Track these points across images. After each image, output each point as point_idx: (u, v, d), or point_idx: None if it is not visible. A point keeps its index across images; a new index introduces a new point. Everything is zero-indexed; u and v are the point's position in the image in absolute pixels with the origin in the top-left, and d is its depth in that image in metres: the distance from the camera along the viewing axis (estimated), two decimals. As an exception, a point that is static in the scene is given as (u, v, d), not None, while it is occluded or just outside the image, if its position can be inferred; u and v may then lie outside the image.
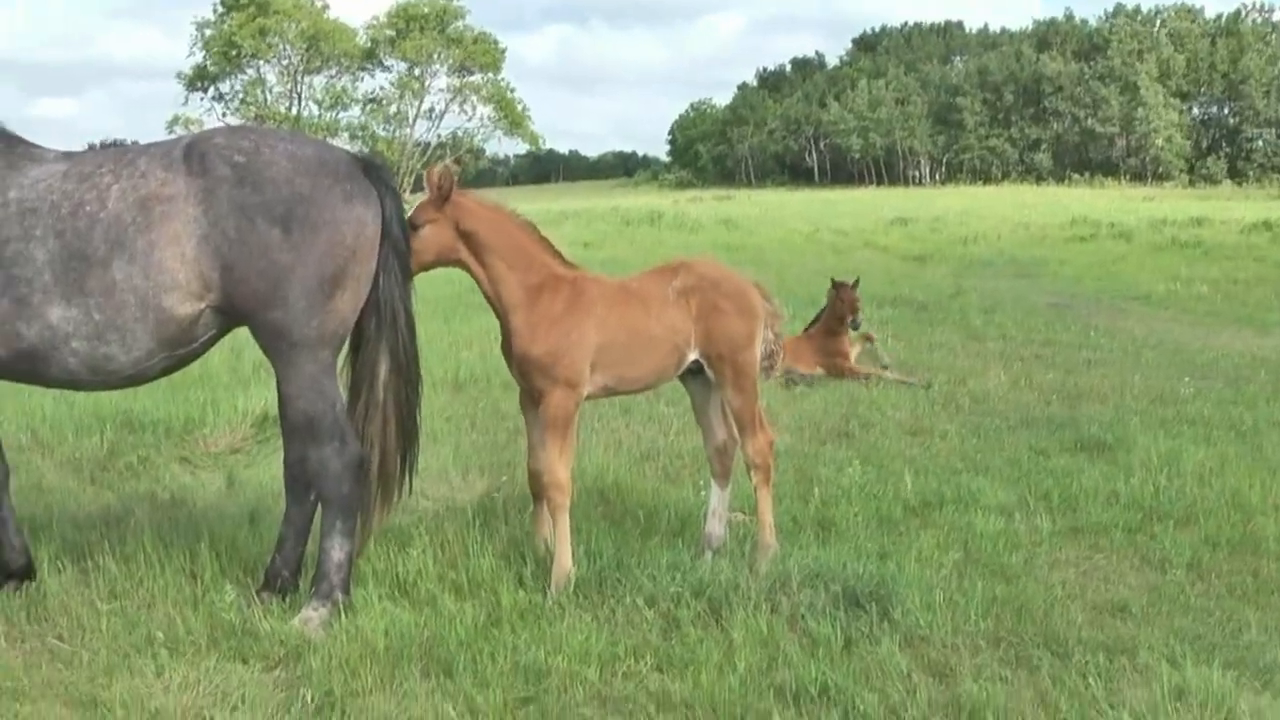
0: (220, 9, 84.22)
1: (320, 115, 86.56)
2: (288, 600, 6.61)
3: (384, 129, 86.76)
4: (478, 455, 10.04)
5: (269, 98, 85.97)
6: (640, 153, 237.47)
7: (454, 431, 10.93)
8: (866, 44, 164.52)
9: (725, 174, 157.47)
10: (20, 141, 6.65)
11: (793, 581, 6.60)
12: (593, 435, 10.77)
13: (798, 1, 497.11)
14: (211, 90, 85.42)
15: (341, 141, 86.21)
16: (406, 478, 6.91)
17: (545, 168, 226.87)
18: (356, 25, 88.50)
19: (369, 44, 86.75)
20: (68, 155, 6.55)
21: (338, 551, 6.40)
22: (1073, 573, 7.40)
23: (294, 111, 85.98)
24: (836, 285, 15.21)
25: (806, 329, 15.34)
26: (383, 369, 6.61)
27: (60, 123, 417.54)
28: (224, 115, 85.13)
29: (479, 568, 6.94)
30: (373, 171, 6.56)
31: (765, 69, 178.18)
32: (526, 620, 6.27)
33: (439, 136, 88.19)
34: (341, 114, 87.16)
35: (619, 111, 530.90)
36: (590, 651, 5.83)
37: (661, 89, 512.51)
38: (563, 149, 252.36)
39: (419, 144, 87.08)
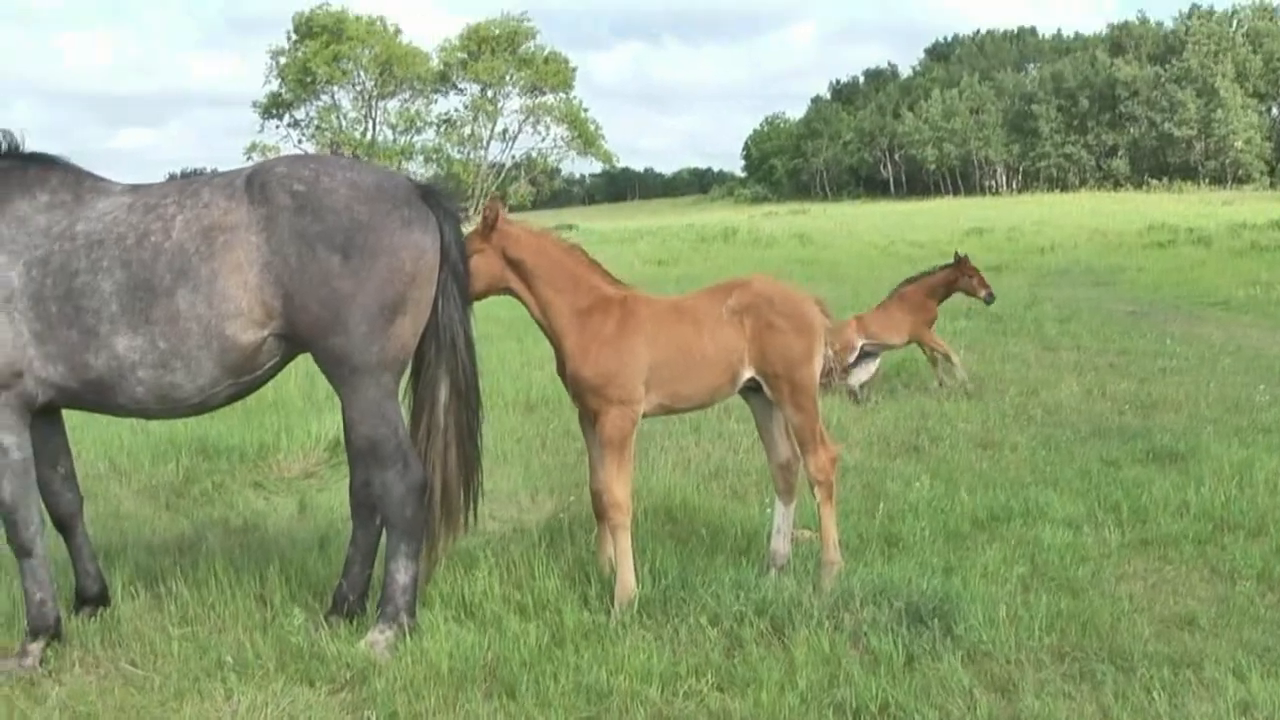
0: (294, 37, 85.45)
1: (395, 139, 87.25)
2: (355, 624, 6.69)
3: (458, 151, 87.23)
4: (547, 476, 10.11)
5: (344, 123, 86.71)
6: (716, 168, 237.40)
7: (524, 453, 11.02)
8: (939, 53, 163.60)
9: (801, 188, 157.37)
10: (88, 176, 6.80)
11: (855, 598, 6.60)
12: (662, 454, 10.81)
13: (868, 11, 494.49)
14: (287, 117, 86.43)
15: (416, 165, 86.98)
16: (471, 504, 6.96)
17: (621, 186, 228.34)
18: (429, 48, 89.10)
19: (442, 67, 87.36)
20: (134, 188, 6.69)
21: (403, 574, 6.48)
22: (1140, 585, 7.33)
23: (368, 136, 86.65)
24: (960, 259, 15.10)
25: (895, 291, 15.23)
26: (443, 393, 6.69)
27: (140, 153, 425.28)
28: (299, 142, 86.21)
29: (544, 589, 6.98)
30: (432, 197, 6.64)
31: (838, 81, 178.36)
32: (590, 640, 6.30)
33: (513, 157, 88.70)
34: (416, 137, 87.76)
35: (693, 128, 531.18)
36: (652, 671, 5.86)
37: (735, 104, 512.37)
38: (638, 167, 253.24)
39: (493, 165, 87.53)
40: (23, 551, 6.60)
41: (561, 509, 9.06)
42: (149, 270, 6.23)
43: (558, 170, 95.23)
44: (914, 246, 45.27)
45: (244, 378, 6.47)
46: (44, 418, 6.81)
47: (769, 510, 8.44)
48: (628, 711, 5.57)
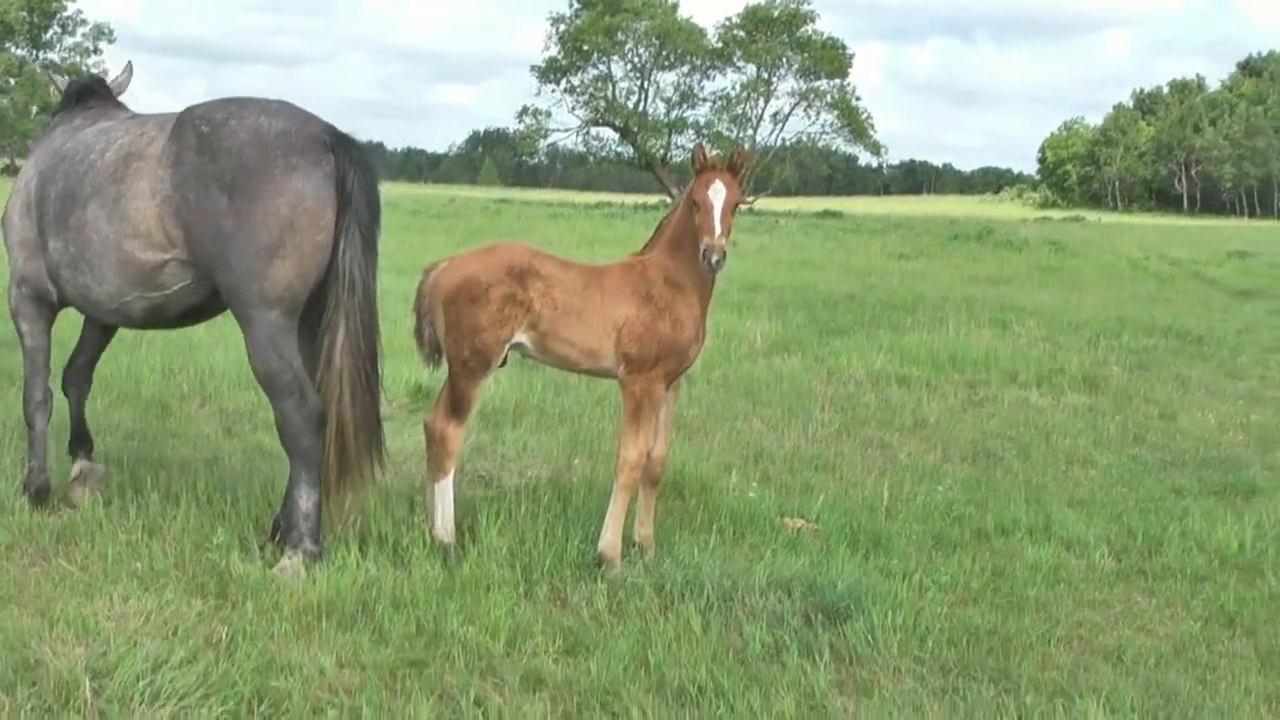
0: (575, 5, 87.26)
1: (667, 112, 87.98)
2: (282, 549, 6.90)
3: (728, 129, 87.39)
4: (589, 441, 10.14)
5: (616, 93, 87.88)
6: (1015, 170, 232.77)
7: (572, 414, 11.07)
8: (1252, 68, 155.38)
9: (1092, 196, 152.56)
10: (115, 106, 7.63)
11: (756, 586, 6.46)
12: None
13: (1189, 24, 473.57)
14: (564, 83, 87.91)
15: (686, 139, 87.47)
16: (375, 449, 7.05)
17: (918, 179, 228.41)
18: (707, 25, 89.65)
19: (719, 44, 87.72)
20: (128, 117, 7.22)
21: (304, 501, 6.73)
22: (1100, 614, 6.95)
23: (640, 107, 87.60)
24: None
25: None
26: (340, 336, 6.82)
27: (456, 108, 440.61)
28: (573, 108, 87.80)
29: (490, 541, 7.03)
30: (343, 147, 6.83)
31: (1141, 89, 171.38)
32: (475, 592, 6.35)
33: (782, 140, 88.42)
34: (689, 112, 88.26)
35: (997, 127, 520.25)
36: (501, 627, 5.90)
37: (1043, 107, 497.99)
38: (937, 161, 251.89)
39: (761, 146, 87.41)
40: (28, 422, 7.75)
41: (587, 471, 9.10)
42: (76, 183, 6.90)
43: (831, 153, 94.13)
44: (1169, 263, 43.44)
45: (151, 293, 6.97)
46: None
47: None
48: (451, 658, 5.63)
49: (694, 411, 11.65)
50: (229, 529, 7.08)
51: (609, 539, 6.99)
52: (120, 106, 7.83)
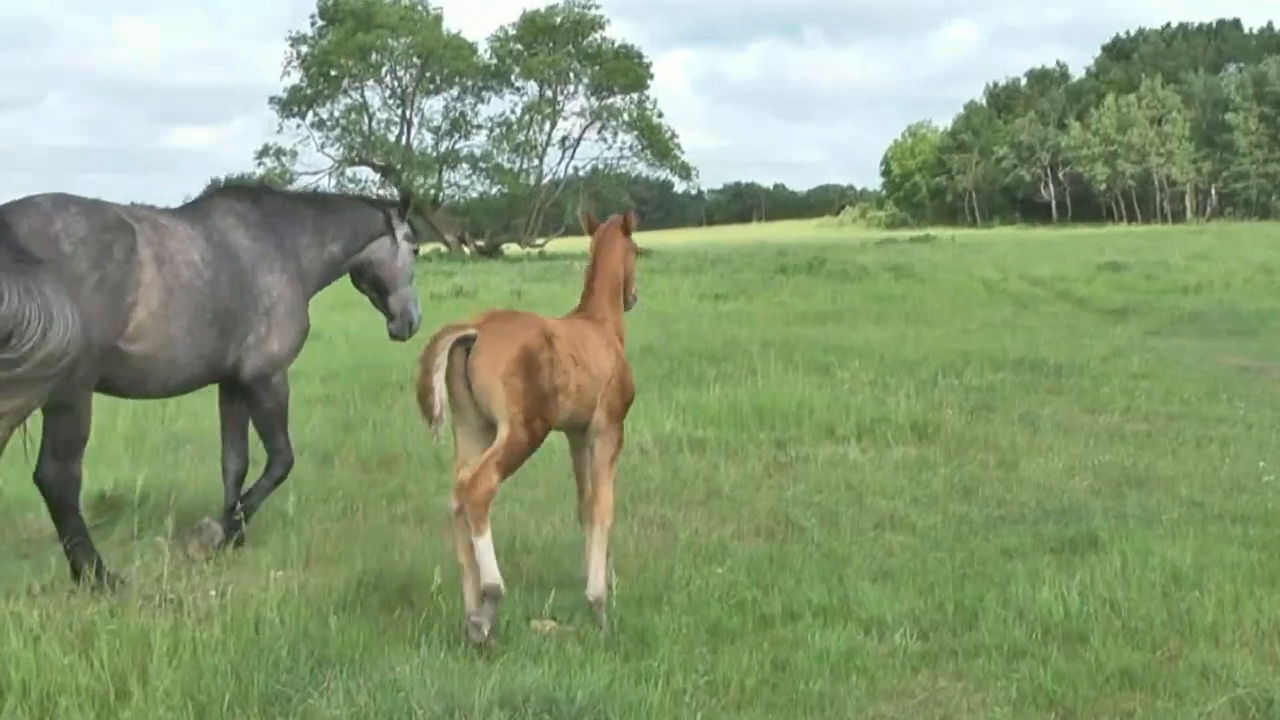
0: (319, 23, 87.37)
1: (435, 144, 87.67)
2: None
3: (510, 160, 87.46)
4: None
5: (374, 125, 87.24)
6: (859, 186, 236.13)
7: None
8: (1120, 51, 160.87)
9: (947, 210, 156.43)
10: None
11: (477, 706, 6.49)
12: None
13: (1044, 6, 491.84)
14: (310, 116, 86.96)
15: (460, 175, 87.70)
16: None
17: (746, 204, 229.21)
18: (478, 40, 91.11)
19: (494, 61, 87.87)
20: None
21: None
22: (894, 706, 7.15)
23: (404, 141, 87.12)
24: None
25: None
26: None
27: (192, 152, 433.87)
28: (323, 145, 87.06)
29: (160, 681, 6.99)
30: None
31: (995, 84, 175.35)
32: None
33: (574, 169, 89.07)
34: (462, 143, 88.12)
35: (834, 138, 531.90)
36: None
37: (885, 110, 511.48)
38: (767, 182, 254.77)
39: (549, 178, 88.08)
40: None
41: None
42: None
43: (634, 181, 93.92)
44: (1032, 283, 44.98)
45: None
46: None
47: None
48: None
49: (439, 502, 11.63)
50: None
51: (600, 584, 8.27)
52: None
